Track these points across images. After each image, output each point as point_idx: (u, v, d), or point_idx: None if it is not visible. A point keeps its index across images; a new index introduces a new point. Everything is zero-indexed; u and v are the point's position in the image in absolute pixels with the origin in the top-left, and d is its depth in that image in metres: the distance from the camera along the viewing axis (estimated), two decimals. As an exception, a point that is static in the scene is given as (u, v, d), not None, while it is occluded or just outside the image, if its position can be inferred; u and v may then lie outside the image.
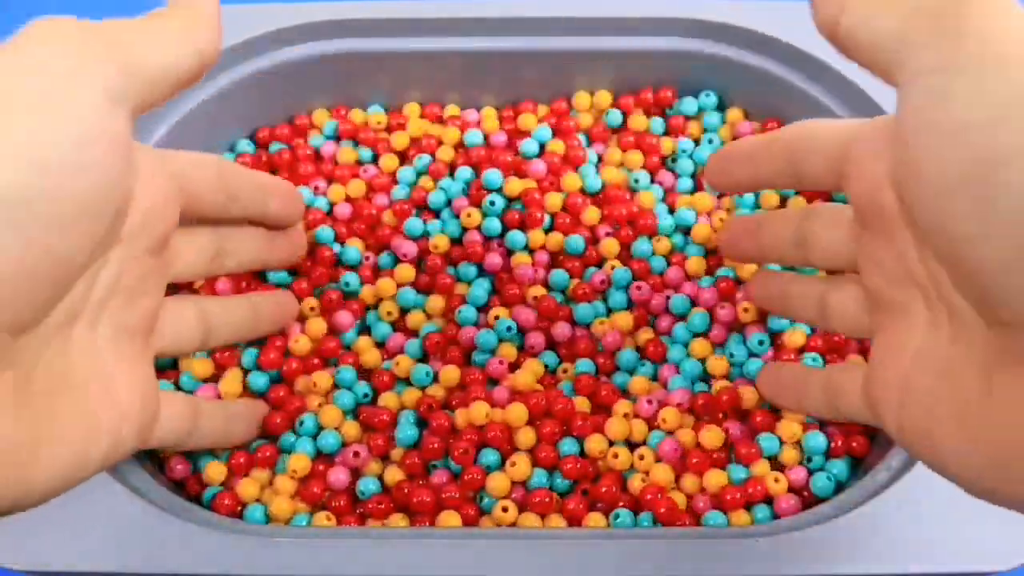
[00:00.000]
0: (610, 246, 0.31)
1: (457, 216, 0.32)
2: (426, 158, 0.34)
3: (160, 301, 0.23)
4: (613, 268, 0.31)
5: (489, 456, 0.27)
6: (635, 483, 0.27)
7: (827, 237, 0.22)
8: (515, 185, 0.32)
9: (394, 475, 0.27)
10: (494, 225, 0.32)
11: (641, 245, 0.31)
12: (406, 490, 0.27)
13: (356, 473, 0.28)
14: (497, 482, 0.26)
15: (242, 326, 0.27)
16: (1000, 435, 0.15)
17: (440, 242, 0.32)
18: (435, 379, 0.29)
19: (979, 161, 0.14)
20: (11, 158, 0.15)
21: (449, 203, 0.33)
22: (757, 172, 0.24)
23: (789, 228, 0.24)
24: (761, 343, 0.29)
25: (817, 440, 0.27)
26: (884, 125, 0.19)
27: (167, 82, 0.18)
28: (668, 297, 0.31)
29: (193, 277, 0.25)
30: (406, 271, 0.31)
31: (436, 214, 0.33)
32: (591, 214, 0.32)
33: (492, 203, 0.32)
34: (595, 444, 0.27)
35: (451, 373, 0.29)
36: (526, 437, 0.27)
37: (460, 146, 0.35)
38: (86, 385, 0.19)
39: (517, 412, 0.27)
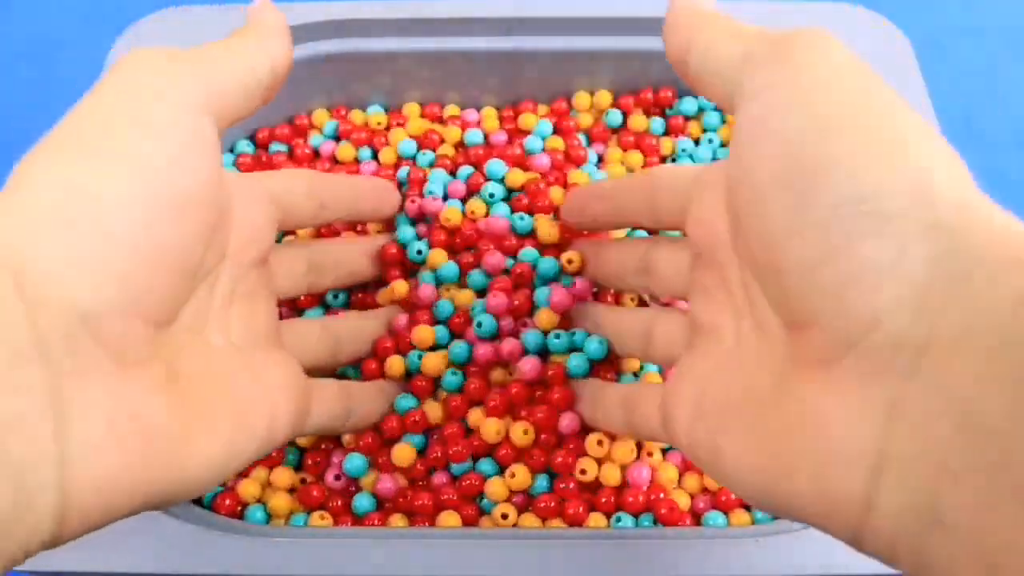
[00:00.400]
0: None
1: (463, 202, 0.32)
2: (429, 155, 0.34)
3: (274, 313, 0.24)
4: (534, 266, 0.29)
5: (488, 465, 0.27)
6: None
7: (669, 267, 0.24)
8: (517, 176, 0.32)
9: (397, 481, 0.27)
10: (499, 212, 0.31)
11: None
12: (408, 496, 0.27)
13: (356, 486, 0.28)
14: (496, 487, 0.26)
15: (371, 339, 0.29)
16: (782, 433, 0.16)
17: (452, 215, 0.30)
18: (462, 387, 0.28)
19: (798, 166, 0.16)
20: (123, 167, 0.17)
21: (447, 197, 0.32)
22: (617, 210, 0.25)
23: (634, 256, 0.25)
24: None
25: None
26: (724, 164, 0.20)
27: (246, 90, 0.20)
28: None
29: (294, 292, 0.27)
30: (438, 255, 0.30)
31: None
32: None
33: (491, 195, 0.31)
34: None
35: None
36: (522, 438, 0.27)
37: (460, 145, 0.35)
38: (231, 381, 0.20)
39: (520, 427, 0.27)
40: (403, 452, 0.27)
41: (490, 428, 0.27)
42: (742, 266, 0.19)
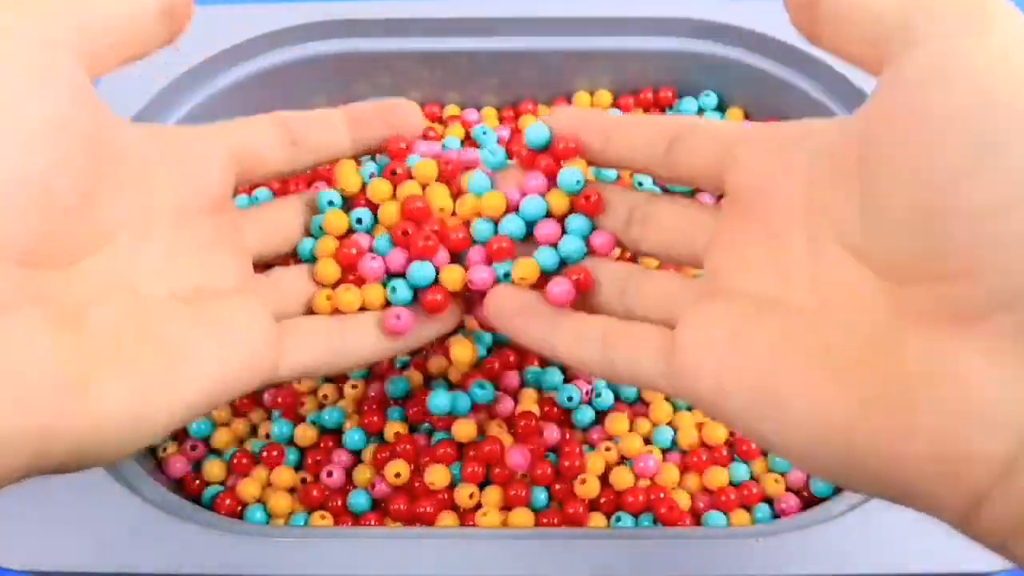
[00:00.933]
0: None
1: None
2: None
3: (239, 265, 0.23)
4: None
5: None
6: (639, 483, 0.27)
7: (673, 222, 0.22)
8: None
9: (394, 469, 0.27)
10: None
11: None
12: (401, 506, 0.26)
13: (349, 475, 0.28)
14: (492, 495, 0.26)
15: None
16: (888, 388, 0.15)
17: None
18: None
19: (990, 110, 0.15)
20: None
21: None
22: (623, 147, 0.23)
23: (627, 205, 0.23)
24: None
25: None
26: (786, 127, 0.20)
27: (128, 26, 0.19)
28: None
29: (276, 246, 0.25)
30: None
31: None
32: None
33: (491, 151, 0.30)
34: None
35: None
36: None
37: (464, 142, 0.35)
38: (160, 329, 0.19)
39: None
40: (396, 466, 0.27)
41: (464, 495, 0.26)
42: (814, 224, 0.18)
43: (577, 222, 0.24)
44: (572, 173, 0.23)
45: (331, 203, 0.25)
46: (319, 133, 0.24)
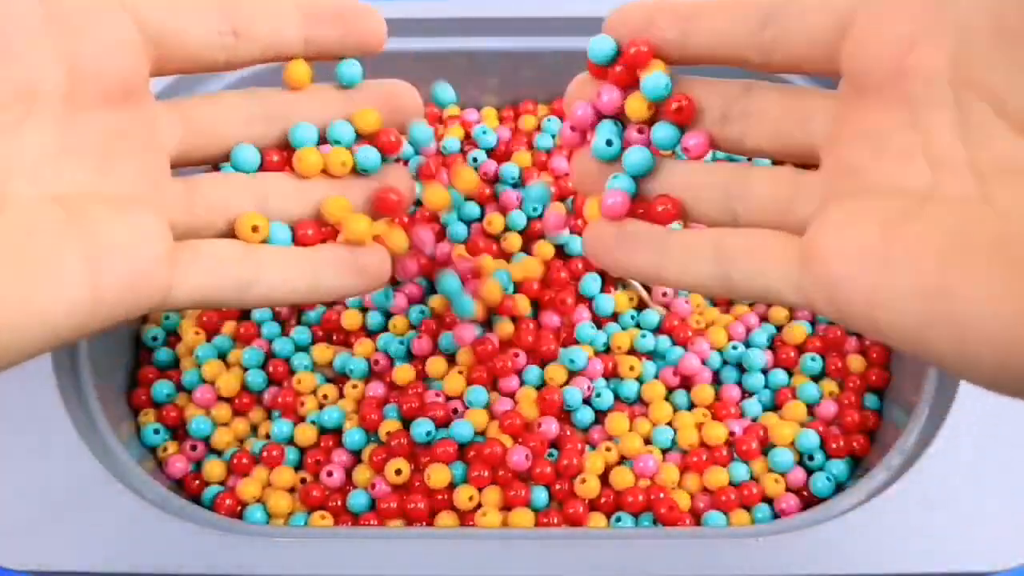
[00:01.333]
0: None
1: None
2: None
3: (151, 168, 0.20)
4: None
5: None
6: (639, 483, 0.27)
7: (776, 108, 0.20)
8: (524, 158, 0.33)
9: (394, 467, 0.27)
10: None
11: None
12: (401, 506, 0.27)
13: (349, 475, 0.28)
14: (492, 495, 0.26)
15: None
16: None
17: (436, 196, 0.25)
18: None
19: None
20: None
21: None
22: (724, 34, 0.20)
23: (723, 96, 0.21)
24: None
25: (809, 438, 0.27)
26: None
27: None
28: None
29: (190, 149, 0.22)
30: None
31: None
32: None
33: (475, 159, 0.32)
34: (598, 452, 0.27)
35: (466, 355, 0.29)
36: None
37: (464, 142, 0.35)
38: (15, 247, 0.17)
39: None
40: (396, 464, 0.27)
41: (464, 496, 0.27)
42: (967, 100, 0.16)
43: (664, 131, 0.21)
44: (658, 78, 0.20)
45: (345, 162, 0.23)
46: (264, 22, 0.21)
